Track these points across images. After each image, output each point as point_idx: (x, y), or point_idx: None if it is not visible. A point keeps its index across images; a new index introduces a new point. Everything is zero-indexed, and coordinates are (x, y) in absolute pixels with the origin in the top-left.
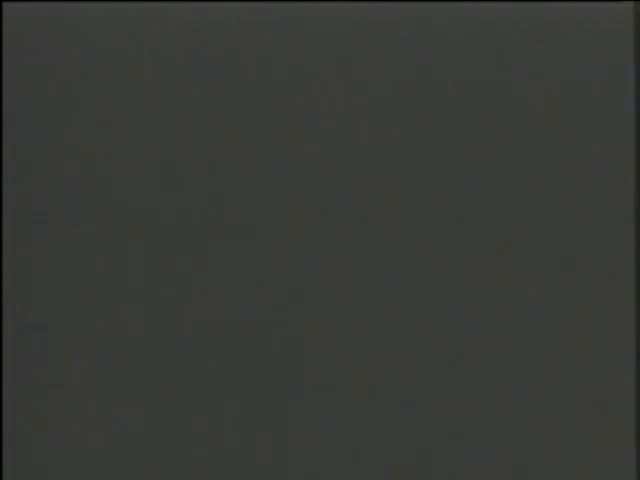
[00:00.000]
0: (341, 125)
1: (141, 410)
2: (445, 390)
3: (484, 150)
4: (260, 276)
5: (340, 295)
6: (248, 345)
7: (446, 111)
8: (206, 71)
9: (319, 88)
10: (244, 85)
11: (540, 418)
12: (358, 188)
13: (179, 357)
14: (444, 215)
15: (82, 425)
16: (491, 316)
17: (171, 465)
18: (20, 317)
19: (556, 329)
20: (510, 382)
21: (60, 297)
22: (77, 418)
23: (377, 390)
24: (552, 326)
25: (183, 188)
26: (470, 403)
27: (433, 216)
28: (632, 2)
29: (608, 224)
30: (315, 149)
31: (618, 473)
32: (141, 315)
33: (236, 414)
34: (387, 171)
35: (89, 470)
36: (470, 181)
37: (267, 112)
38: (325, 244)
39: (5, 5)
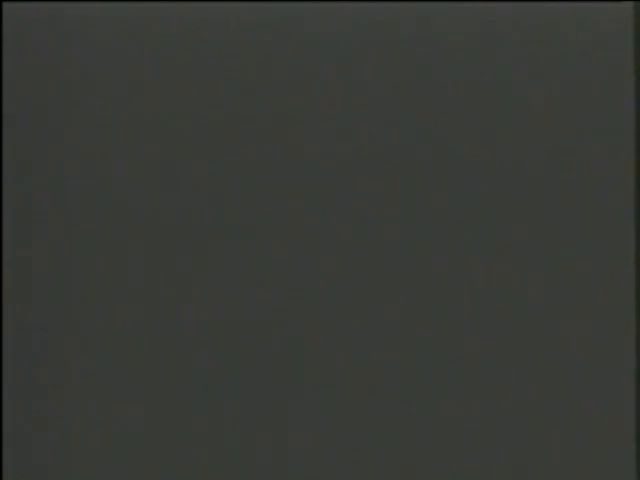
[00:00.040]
0: (341, 125)
1: (141, 410)
2: (445, 390)
3: (484, 150)
4: (260, 276)
5: (340, 295)
6: (248, 345)
7: (446, 111)
8: (206, 71)
9: (319, 88)
10: (244, 85)
11: (540, 418)
12: (358, 188)
13: (179, 357)
14: (444, 215)
15: (82, 425)
16: (491, 316)
17: (171, 465)
18: (20, 317)
19: (556, 329)
20: (510, 382)
21: (60, 297)
22: (77, 418)
23: (377, 390)
24: (552, 326)
25: (183, 188)
26: (470, 403)
27: (433, 216)
28: (632, 2)
29: (608, 224)
30: (315, 149)
31: (618, 473)
32: (141, 315)
33: (236, 414)
34: (387, 171)
35: (89, 470)
36: (470, 181)
37: (267, 112)
38: (325, 244)
39: (5, 5)
